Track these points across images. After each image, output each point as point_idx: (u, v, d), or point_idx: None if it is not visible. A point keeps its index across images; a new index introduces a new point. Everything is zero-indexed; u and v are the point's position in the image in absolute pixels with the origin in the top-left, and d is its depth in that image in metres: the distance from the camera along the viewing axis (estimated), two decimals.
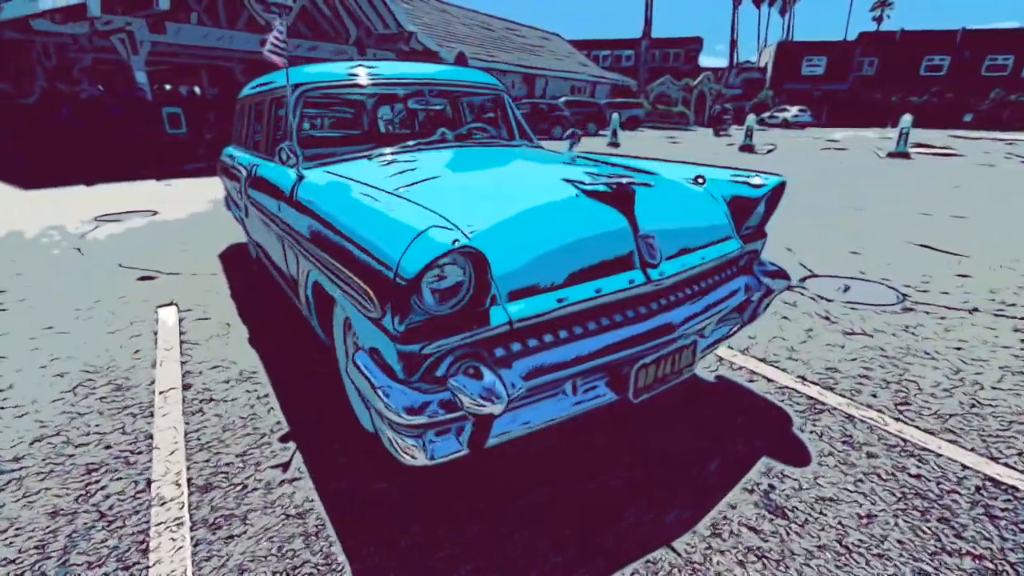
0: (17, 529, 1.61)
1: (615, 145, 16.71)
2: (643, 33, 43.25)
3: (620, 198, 1.70)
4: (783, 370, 2.61)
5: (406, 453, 1.38)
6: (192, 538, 1.57)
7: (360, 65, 2.72)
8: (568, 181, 1.74)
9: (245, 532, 1.60)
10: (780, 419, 2.20)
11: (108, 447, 2.01)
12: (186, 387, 2.46)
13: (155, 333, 3.07)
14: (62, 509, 1.69)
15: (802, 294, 3.73)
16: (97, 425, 2.15)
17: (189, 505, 1.71)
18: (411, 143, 2.49)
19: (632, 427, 2.13)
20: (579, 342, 1.51)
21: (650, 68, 43.64)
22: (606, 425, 2.14)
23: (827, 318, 3.28)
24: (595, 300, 1.51)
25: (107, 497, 1.75)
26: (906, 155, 13.72)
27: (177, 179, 9.49)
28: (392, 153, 2.39)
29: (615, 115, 17.60)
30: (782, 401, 2.34)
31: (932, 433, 2.10)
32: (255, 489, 1.78)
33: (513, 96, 26.56)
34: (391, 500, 1.74)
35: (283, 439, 2.06)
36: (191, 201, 7.41)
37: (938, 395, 2.39)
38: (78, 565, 1.49)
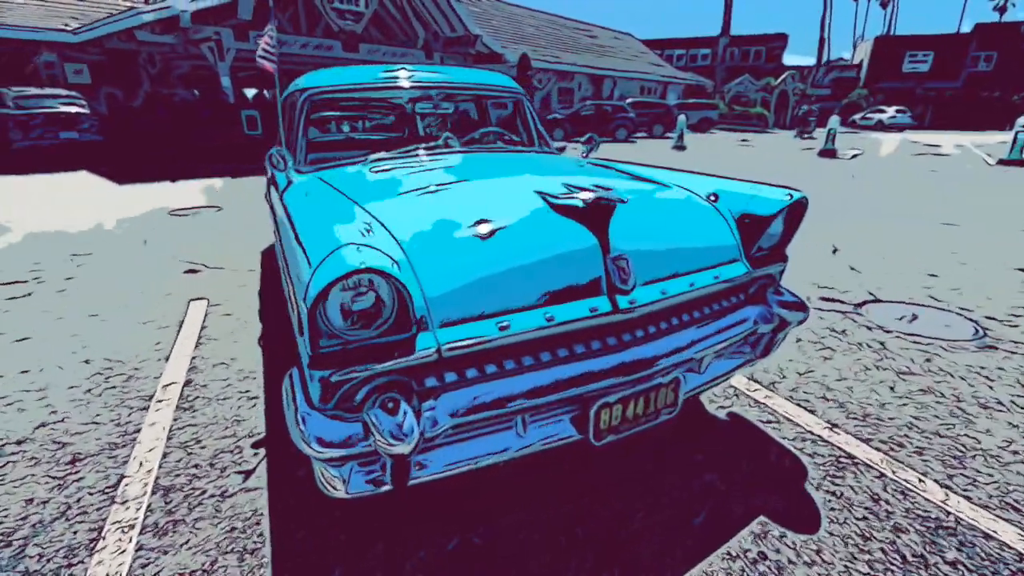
0: None
1: (680, 148, 15.99)
2: (722, 30, 41.18)
3: (593, 214, 1.52)
4: (811, 412, 2.28)
5: (328, 484, 1.30)
6: (137, 543, 1.58)
7: (369, 68, 2.69)
8: (540, 193, 1.58)
9: (187, 542, 1.58)
10: (794, 471, 1.91)
11: (99, 438, 2.10)
12: (187, 383, 2.54)
13: (180, 326, 3.23)
14: (37, 498, 1.77)
15: (855, 320, 3.29)
16: (97, 415, 2.26)
17: (147, 507, 1.73)
18: (410, 148, 2.41)
19: (610, 463, 1.93)
20: (523, 376, 1.35)
21: (728, 67, 41.47)
22: (581, 457, 1.95)
23: (881, 353, 2.85)
24: (546, 329, 1.35)
25: (80, 490, 1.81)
26: (1021, 163, 12.00)
27: (247, 177, 10.14)
28: (386, 159, 2.33)
29: (682, 117, 16.83)
30: (801, 450, 2.02)
31: (986, 508, 1.72)
32: (212, 496, 1.78)
33: (580, 97, 26.33)
34: (336, 525, 1.66)
35: (255, 445, 2.06)
36: (255, 199, 7.87)
37: (1004, 459, 1.98)
38: (30, 557, 1.53)
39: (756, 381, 2.54)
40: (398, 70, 2.71)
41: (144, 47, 12.86)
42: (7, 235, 5.46)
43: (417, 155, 2.38)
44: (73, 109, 11.14)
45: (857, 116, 33.35)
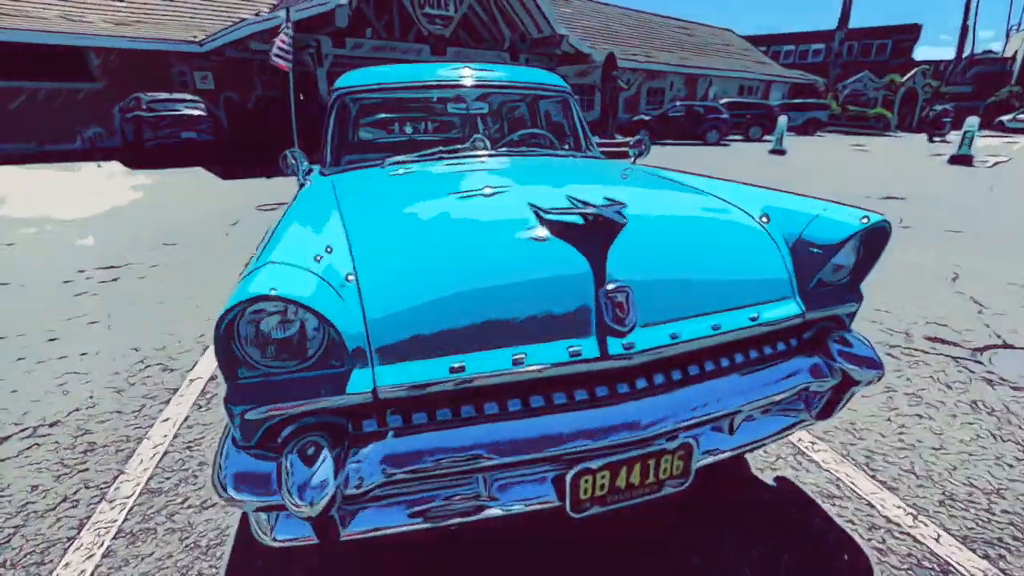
0: (2, 497, 1.78)
1: (779, 152, 14.64)
2: (839, 22, 37.30)
3: (591, 234, 1.25)
4: (892, 489, 1.81)
5: (257, 527, 1.16)
6: (107, 548, 1.56)
7: (406, 67, 2.58)
8: (534, 207, 1.33)
9: (152, 554, 1.54)
10: (854, 572, 1.49)
11: (116, 429, 2.17)
12: (212, 378, 2.58)
13: None
14: (42, 486, 1.83)
15: (971, 371, 2.64)
16: (123, 405, 2.35)
17: (130, 509, 1.72)
18: (430, 152, 2.25)
19: (602, 522, 1.63)
20: (481, 428, 1.12)
21: (844, 63, 37.46)
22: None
23: (1005, 418, 2.24)
24: (511, 375, 1.11)
25: (81, 482, 1.85)
26: None
27: None
28: (402, 162, 2.19)
29: (783, 118, 15.39)
30: (869, 541, 1.59)
31: None
32: (191, 506, 1.73)
33: (673, 97, 25.09)
34: (308, 554, 1.54)
35: None
36: None
37: None
38: (13, 548, 1.56)
39: (821, 438, 2.09)
40: (437, 68, 2.57)
41: (256, 55, 14.07)
42: (117, 224, 6.12)
43: (435, 158, 2.21)
44: (194, 112, 12.46)
45: (1006, 117, 28.63)
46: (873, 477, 1.86)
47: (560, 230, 1.27)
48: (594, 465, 1.16)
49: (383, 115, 2.81)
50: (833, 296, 1.47)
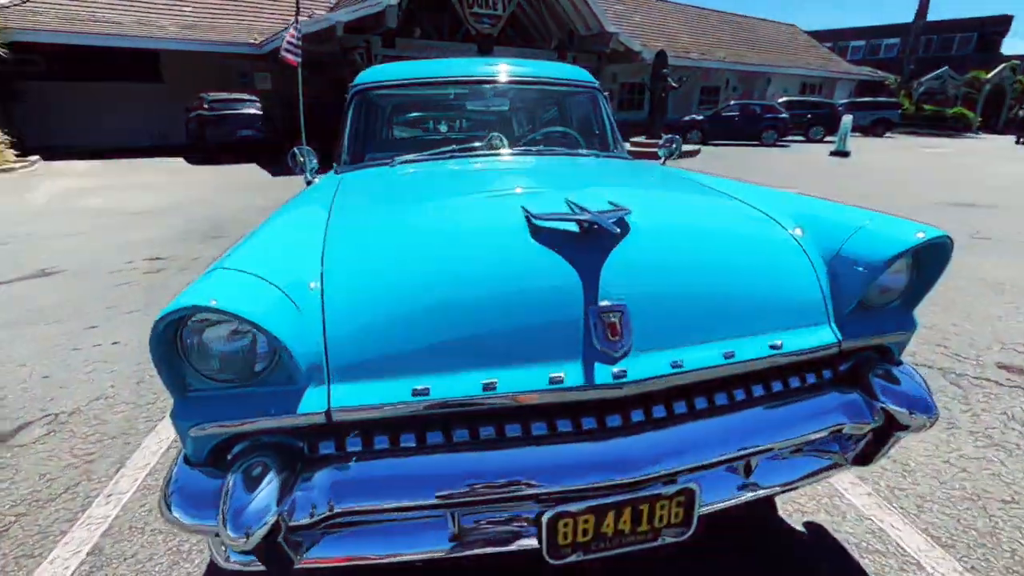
0: (12, 483, 1.82)
1: (842, 154, 13.72)
2: (917, 14, 34.62)
3: (587, 243, 1.11)
4: (948, 548, 1.55)
5: (214, 548, 1.09)
6: (95, 544, 1.55)
7: (427, 63, 2.50)
8: (526, 212, 1.20)
9: (135, 555, 1.52)
10: None
11: (129, 420, 2.20)
12: None
13: None
14: (50, 475, 1.87)
15: None
16: (140, 397, 2.39)
17: (123, 505, 1.72)
18: (441, 150, 2.16)
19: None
20: (445, 457, 1.00)
21: (921, 59, 34.77)
22: None
23: None
24: (481, 401, 0.99)
25: (84, 473, 1.88)
26: None
27: None
28: (411, 161, 2.10)
29: (848, 117, 14.42)
30: None
31: None
32: None
33: (728, 96, 24.03)
34: None
35: None
36: None
37: None
38: (10, 538, 1.58)
39: (863, 477, 1.84)
40: (458, 64, 2.47)
41: (310, 56, 14.57)
42: (171, 217, 6.42)
43: (447, 157, 2.11)
44: (251, 111, 13.03)
45: None
46: (925, 531, 1.60)
47: (551, 238, 1.14)
48: (575, 508, 1.02)
49: (401, 112, 2.74)
50: (878, 323, 1.26)
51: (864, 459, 1.29)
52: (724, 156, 14.09)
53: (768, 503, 1.72)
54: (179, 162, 12.06)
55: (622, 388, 1.01)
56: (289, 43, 2.10)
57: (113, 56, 14.09)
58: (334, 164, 2.34)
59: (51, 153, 12.54)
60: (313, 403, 0.96)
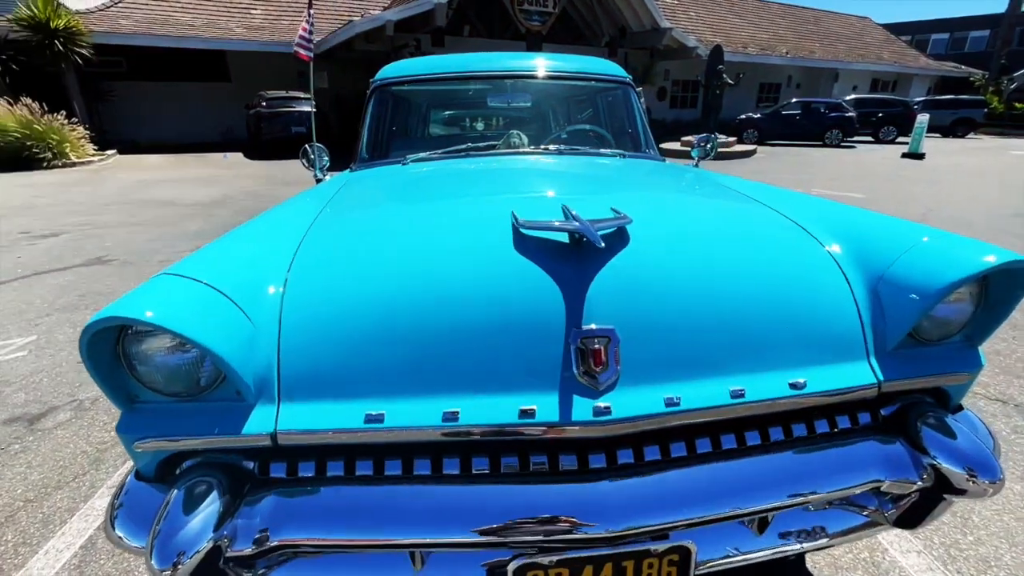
0: (28, 468, 1.88)
1: (916, 156, 12.66)
2: (1010, 3, 31.49)
3: (576, 256, 0.98)
4: None
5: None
6: (88, 539, 1.56)
7: (448, 57, 2.41)
8: (516, 221, 1.07)
9: (122, 553, 1.51)
10: None
11: None
12: None
13: None
14: (63, 461, 1.92)
15: None
16: None
17: None
18: (459, 148, 2.06)
19: None
20: (402, 489, 0.90)
21: (1014, 52, 31.62)
22: None
23: None
24: (440, 432, 0.88)
25: (94, 462, 1.91)
26: None
27: None
28: (423, 159, 2.01)
29: (923, 116, 13.26)
30: None
31: None
32: None
33: (791, 93, 22.74)
34: None
35: None
36: None
37: None
38: (14, 523, 1.62)
39: (910, 538, 1.59)
40: (482, 58, 2.37)
41: (363, 55, 14.94)
42: (222, 209, 6.69)
43: (461, 155, 2.01)
44: (305, 108, 13.50)
45: None
46: None
47: (536, 249, 1.01)
48: (546, 560, 0.89)
49: (421, 109, 2.66)
50: (932, 360, 1.05)
51: (909, 522, 1.08)
52: (781, 156, 13.33)
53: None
54: (238, 156, 12.66)
55: (604, 427, 0.87)
56: (302, 37, 2.09)
57: (186, 57, 14.99)
58: (351, 163, 2.29)
59: (127, 147, 13.50)
60: (260, 424, 0.88)
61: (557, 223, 0.99)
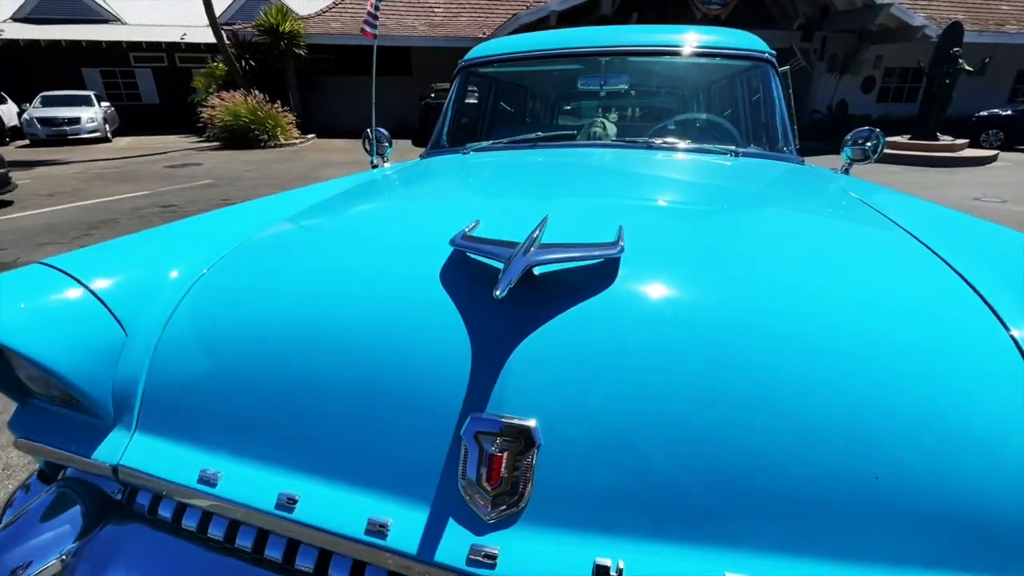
0: None
1: None
2: None
3: (524, 296, 0.64)
4: None
5: None
6: None
7: (547, 33, 2.11)
8: (459, 237, 0.76)
9: None
10: None
11: None
12: None
13: None
14: None
15: None
16: None
17: None
18: (523, 138, 1.77)
19: None
20: (225, 561, 0.68)
21: None
22: None
23: None
24: (271, 521, 0.64)
25: None
26: None
27: None
28: (483, 149, 1.76)
29: None
30: None
31: None
32: None
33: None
34: None
35: None
36: None
37: None
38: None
39: None
40: (576, 35, 2.02)
41: None
42: None
43: (525, 146, 1.72)
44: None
45: None
46: None
47: (467, 283, 0.69)
48: None
49: (507, 92, 2.40)
50: None
51: None
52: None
53: None
54: (406, 143, 13.90)
55: None
56: (369, 14, 2.04)
57: (379, 53, 16.98)
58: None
59: (324, 132, 15.77)
60: (107, 451, 0.74)
61: (492, 246, 0.67)
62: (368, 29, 2.24)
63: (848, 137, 1.61)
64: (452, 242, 0.71)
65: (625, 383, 0.58)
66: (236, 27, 15.79)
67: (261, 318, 0.77)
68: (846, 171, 1.63)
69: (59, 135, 13.86)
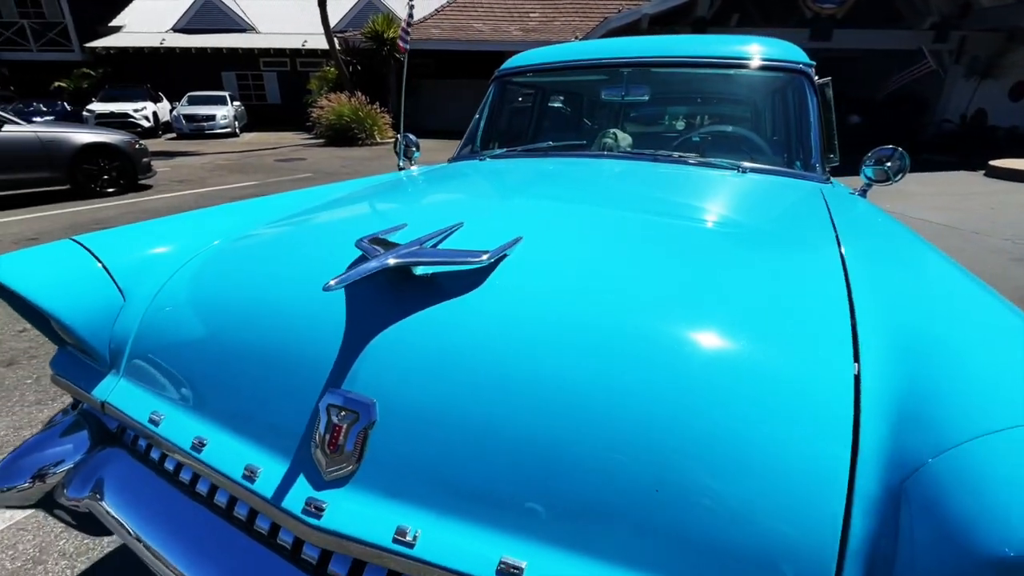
0: None
1: None
2: None
3: (407, 285, 0.74)
4: None
5: None
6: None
7: (579, 44, 2.16)
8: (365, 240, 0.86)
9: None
10: None
11: None
12: None
13: None
14: None
15: None
16: None
17: None
18: (535, 147, 1.84)
19: None
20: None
21: None
22: None
23: None
24: (188, 457, 0.79)
25: None
26: None
27: None
28: (498, 155, 1.85)
29: None
30: None
31: None
32: None
33: None
34: None
35: None
36: None
37: None
38: None
39: None
40: (606, 46, 2.05)
41: None
42: None
43: (537, 155, 1.79)
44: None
45: None
46: None
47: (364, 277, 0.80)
48: None
49: (534, 103, 2.45)
50: None
51: None
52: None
53: None
54: None
55: (307, 530, 0.64)
56: (403, 30, 2.13)
57: (475, 58, 17.62)
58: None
59: (418, 133, 16.59)
60: (100, 390, 0.94)
61: (376, 246, 0.76)
62: (402, 44, 2.40)
63: (868, 156, 1.49)
64: (356, 243, 0.81)
65: (458, 382, 0.65)
66: (347, 34, 17.22)
67: (216, 300, 0.94)
68: (863, 193, 1.51)
69: (198, 130, 16.03)
